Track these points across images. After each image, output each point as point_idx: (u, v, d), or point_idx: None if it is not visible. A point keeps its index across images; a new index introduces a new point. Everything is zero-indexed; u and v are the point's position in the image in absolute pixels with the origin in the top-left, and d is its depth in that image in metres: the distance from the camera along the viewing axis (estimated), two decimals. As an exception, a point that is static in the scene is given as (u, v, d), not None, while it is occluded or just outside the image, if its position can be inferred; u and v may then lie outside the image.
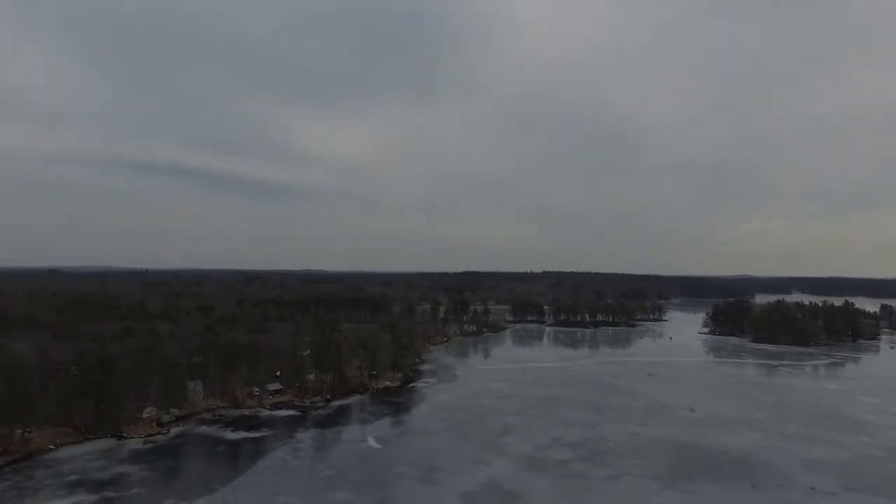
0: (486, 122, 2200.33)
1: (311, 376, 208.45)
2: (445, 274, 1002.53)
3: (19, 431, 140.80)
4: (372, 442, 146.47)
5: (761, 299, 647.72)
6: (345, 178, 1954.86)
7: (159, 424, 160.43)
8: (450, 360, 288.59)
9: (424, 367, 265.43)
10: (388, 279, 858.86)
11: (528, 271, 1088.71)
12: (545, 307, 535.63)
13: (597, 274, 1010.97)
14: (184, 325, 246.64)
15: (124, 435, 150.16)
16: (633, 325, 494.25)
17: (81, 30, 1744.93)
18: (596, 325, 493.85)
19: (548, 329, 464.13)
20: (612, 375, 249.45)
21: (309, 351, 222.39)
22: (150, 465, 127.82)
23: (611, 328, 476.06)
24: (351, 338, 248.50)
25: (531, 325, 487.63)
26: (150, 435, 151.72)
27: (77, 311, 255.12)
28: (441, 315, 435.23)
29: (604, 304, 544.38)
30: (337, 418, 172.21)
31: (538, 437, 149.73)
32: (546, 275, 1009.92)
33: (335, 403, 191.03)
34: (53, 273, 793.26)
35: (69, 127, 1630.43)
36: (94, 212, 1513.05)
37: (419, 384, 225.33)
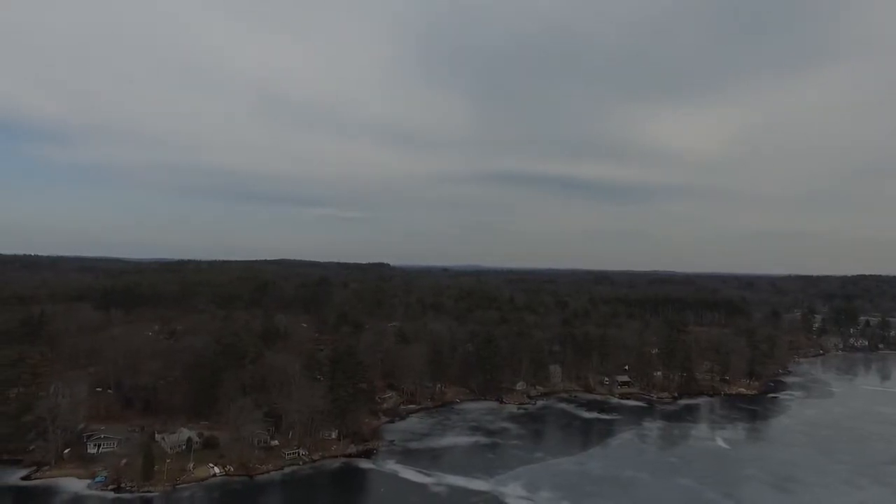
0: (883, 89, 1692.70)
1: (658, 373, 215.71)
2: (827, 277, 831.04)
3: (438, 386, 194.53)
4: (720, 442, 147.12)
5: None
6: (700, 172, 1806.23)
7: (528, 396, 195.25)
8: (824, 376, 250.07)
9: (789, 379, 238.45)
10: (749, 281, 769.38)
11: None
12: None
13: None
14: (544, 316, 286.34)
15: (503, 400, 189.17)
16: None
17: (461, 69, 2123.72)
18: None
19: None
20: None
21: (657, 349, 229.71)
22: (523, 426, 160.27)
23: None
24: (701, 340, 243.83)
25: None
26: (522, 403, 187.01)
27: (467, 301, 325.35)
28: (816, 325, 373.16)
29: None
30: (684, 415, 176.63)
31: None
32: None
33: (682, 402, 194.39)
34: (445, 271, 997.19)
35: (455, 150, 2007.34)
36: (473, 219, 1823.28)
37: (781, 395, 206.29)
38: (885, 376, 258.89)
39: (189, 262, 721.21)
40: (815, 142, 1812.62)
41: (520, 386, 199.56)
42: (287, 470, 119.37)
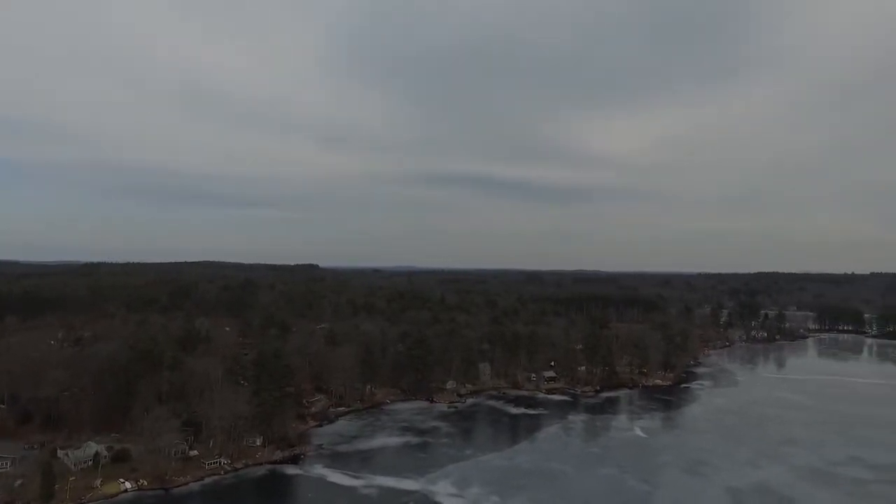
0: (798, 99, 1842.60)
1: (583, 368, 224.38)
2: (735, 275, 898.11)
3: (369, 388, 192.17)
4: (638, 432, 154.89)
5: None
6: (628, 176, 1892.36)
7: (458, 395, 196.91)
8: (730, 366, 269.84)
9: (700, 369, 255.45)
10: (666, 279, 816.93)
11: (850, 272, 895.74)
12: (866, 315, 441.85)
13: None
14: (475, 316, 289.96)
15: (434, 399, 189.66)
16: None
17: (400, 71, 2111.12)
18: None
19: (869, 341, 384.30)
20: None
21: (581, 345, 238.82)
22: (454, 424, 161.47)
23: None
24: (622, 335, 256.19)
25: (844, 336, 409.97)
26: (453, 402, 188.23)
27: (399, 302, 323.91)
28: (724, 319, 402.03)
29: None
30: (605, 407, 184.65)
31: (829, 453, 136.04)
32: (877, 276, 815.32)
33: (604, 395, 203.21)
34: (377, 272, 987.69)
35: (389, 151, 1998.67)
36: (405, 220, 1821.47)
37: (692, 385, 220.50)
38: (780, 364, 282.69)
39: (101, 264, 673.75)
40: (728, 150, 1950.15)
41: (450, 385, 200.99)
42: (207, 480, 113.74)
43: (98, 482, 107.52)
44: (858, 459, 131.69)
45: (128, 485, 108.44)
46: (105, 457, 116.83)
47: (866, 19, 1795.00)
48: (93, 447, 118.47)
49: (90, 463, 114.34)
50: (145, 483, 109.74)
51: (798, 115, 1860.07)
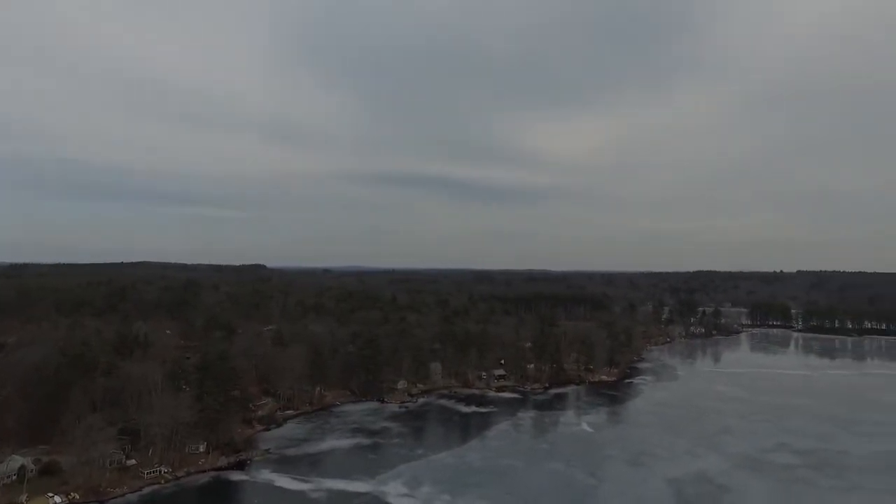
0: (731, 105, 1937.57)
1: (532, 366, 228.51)
2: (675, 273, 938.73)
3: (318, 389, 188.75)
4: (585, 426, 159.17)
5: None
6: (574, 177, 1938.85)
7: (410, 395, 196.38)
8: (671, 361, 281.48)
9: (643, 365, 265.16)
10: (611, 278, 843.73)
11: (778, 271, 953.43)
12: (793, 311, 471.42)
13: (875, 274, 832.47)
14: (425, 315, 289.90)
15: (385, 400, 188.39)
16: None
17: (349, 68, 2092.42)
18: (862, 333, 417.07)
19: (795, 335, 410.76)
20: (873, 389, 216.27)
21: (530, 343, 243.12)
22: (405, 424, 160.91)
23: (884, 338, 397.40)
24: (569, 333, 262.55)
25: (774, 331, 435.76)
26: (404, 402, 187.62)
27: (349, 302, 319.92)
28: (665, 315, 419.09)
29: (875, 310, 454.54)
30: (554, 404, 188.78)
31: (761, 441, 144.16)
32: (802, 275, 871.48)
33: (553, 391, 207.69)
34: (326, 272, 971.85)
35: (338, 150, 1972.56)
36: (355, 220, 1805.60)
37: (636, 381, 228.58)
38: (717, 359, 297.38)
39: (28, 265, 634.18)
40: (667, 153, 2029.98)
41: (401, 385, 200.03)
42: (146, 490, 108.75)
43: (23, 498, 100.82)
44: (786, 446, 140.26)
45: (57, 499, 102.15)
46: (32, 470, 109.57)
47: (799, 30, 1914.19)
48: (17, 460, 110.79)
49: (14, 477, 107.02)
50: (77, 496, 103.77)
51: (731, 120, 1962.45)
